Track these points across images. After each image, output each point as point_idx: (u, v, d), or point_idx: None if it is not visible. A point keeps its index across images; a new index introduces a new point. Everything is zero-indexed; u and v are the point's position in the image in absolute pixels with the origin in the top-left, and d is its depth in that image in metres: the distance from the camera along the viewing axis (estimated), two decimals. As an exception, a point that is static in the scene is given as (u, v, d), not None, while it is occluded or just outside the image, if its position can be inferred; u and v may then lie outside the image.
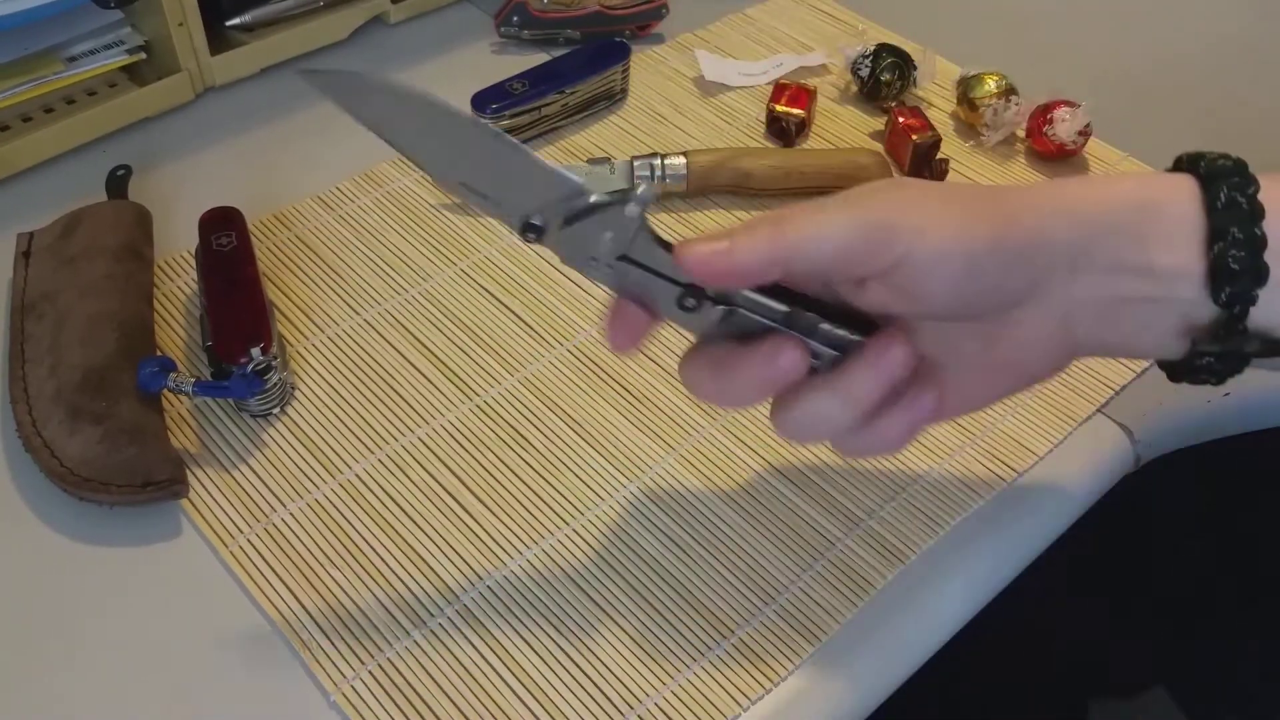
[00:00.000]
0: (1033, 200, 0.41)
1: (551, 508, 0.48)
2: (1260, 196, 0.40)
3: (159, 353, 0.53)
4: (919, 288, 0.39)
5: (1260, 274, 0.40)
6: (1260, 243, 0.40)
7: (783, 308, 0.39)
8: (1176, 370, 0.43)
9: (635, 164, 0.62)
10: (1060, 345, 0.42)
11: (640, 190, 0.37)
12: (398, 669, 0.43)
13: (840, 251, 0.38)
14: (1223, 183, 0.41)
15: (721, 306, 0.39)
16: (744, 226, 0.38)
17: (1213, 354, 0.41)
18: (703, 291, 0.38)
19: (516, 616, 0.45)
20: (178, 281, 0.57)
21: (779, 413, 0.40)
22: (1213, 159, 0.42)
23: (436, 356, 0.54)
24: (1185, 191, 0.41)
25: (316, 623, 0.44)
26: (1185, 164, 0.43)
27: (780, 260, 0.38)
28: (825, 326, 0.39)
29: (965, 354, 0.42)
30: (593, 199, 0.37)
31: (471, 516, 0.48)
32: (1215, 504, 0.65)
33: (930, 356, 0.41)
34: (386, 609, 0.45)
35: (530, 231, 0.38)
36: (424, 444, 0.51)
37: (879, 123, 0.68)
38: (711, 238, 0.38)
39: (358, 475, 0.49)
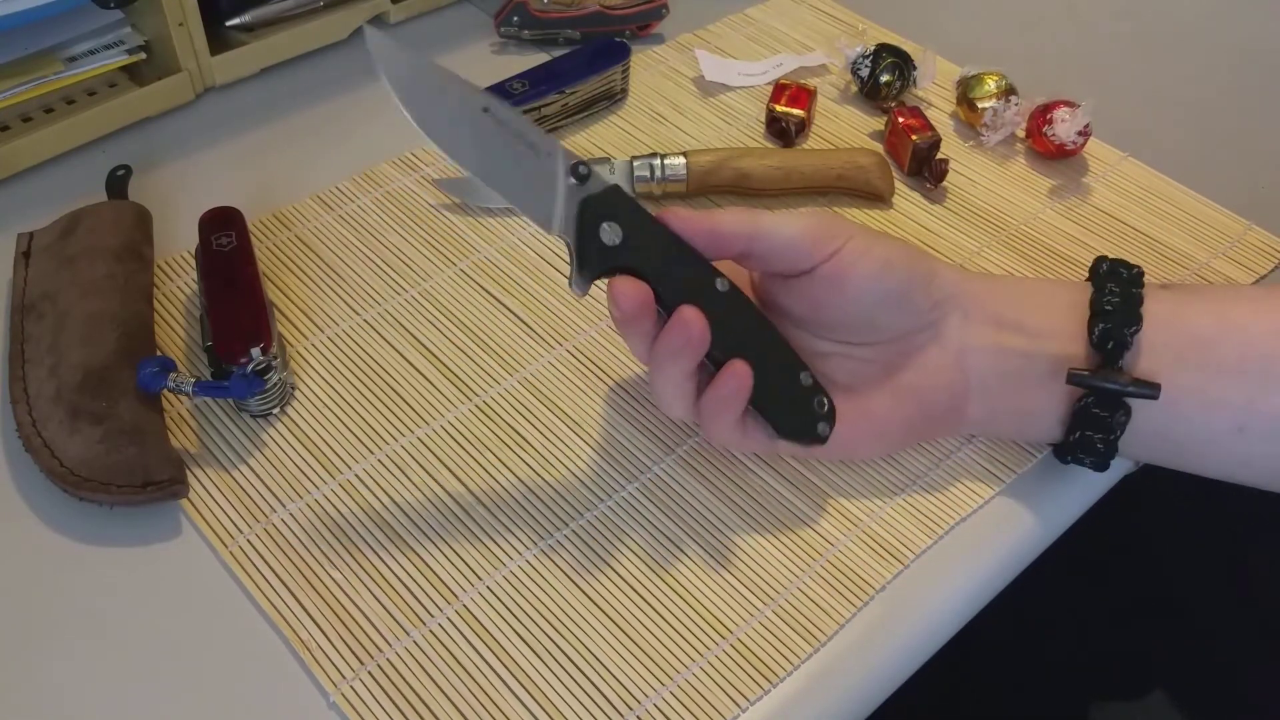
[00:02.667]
0: (947, 265, 0.49)
1: (550, 508, 0.48)
2: (1145, 279, 0.48)
3: (159, 353, 0.53)
4: (846, 269, 0.45)
5: (1132, 316, 0.47)
6: (1136, 297, 0.47)
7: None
8: (1061, 450, 0.49)
9: (635, 164, 0.62)
10: (955, 383, 0.48)
11: (584, 274, 0.44)
12: (397, 669, 0.43)
13: (793, 241, 0.45)
14: (1105, 261, 0.49)
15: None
16: (724, 209, 0.46)
17: (1091, 390, 0.46)
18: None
19: (516, 616, 0.45)
20: (178, 281, 0.57)
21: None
22: (1114, 261, 0.50)
23: (436, 356, 0.54)
24: (1076, 284, 0.50)
25: (315, 623, 0.44)
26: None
27: (747, 235, 0.45)
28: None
29: (868, 377, 0.48)
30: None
31: (471, 516, 0.48)
32: (1215, 506, 0.65)
33: (838, 382, 0.47)
34: (385, 609, 0.45)
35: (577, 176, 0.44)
36: (424, 444, 0.51)
37: (879, 123, 0.68)
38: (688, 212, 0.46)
39: (358, 475, 0.49)
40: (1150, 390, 0.46)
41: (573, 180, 0.43)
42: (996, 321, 0.48)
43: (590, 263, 0.43)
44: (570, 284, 0.44)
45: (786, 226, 0.45)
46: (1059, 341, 0.47)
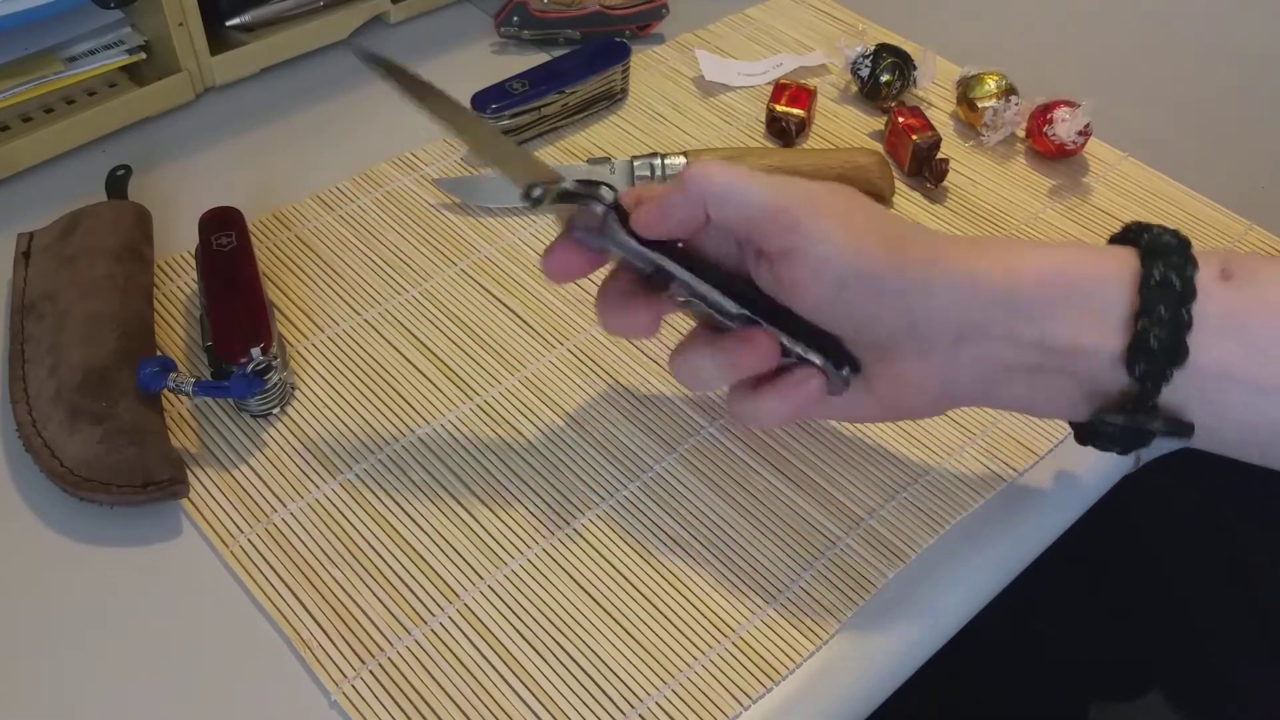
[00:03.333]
0: (943, 256, 0.42)
1: (551, 508, 0.48)
2: (1197, 279, 0.41)
3: (159, 353, 0.53)
4: (796, 281, 0.41)
5: (1178, 354, 0.40)
6: (1185, 324, 0.40)
7: (712, 293, 0.43)
8: (1082, 433, 0.44)
9: (635, 164, 0.62)
10: (939, 394, 0.44)
11: (604, 190, 0.42)
12: (398, 669, 0.43)
13: (746, 216, 0.41)
14: (1160, 260, 0.41)
15: (678, 285, 0.43)
16: (679, 180, 0.42)
17: (1117, 425, 0.42)
18: (667, 274, 0.43)
19: (517, 616, 0.45)
20: (178, 281, 0.57)
21: (672, 358, 0.44)
22: (1157, 235, 0.42)
23: (436, 356, 0.54)
24: (1120, 265, 0.42)
25: (317, 622, 0.44)
26: (1131, 234, 0.43)
27: (700, 203, 0.41)
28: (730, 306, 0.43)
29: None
30: (568, 185, 0.42)
31: (472, 516, 0.48)
32: (1216, 506, 0.65)
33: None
34: (387, 609, 0.45)
35: (528, 200, 0.42)
36: (424, 444, 0.51)
37: (879, 123, 0.68)
38: (651, 200, 0.42)
39: (358, 475, 0.49)
40: (1184, 431, 0.42)
41: (527, 204, 0.43)
42: (1010, 339, 0.42)
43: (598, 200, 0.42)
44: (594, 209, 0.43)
45: (740, 200, 0.41)
46: (1090, 362, 0.41)
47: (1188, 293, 0.41)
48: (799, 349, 0.42)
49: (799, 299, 0.42)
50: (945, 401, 0.45)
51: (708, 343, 0.43)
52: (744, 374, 0.43)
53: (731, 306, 0.42)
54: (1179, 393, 0.41)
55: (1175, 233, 0.43)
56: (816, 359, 0.43)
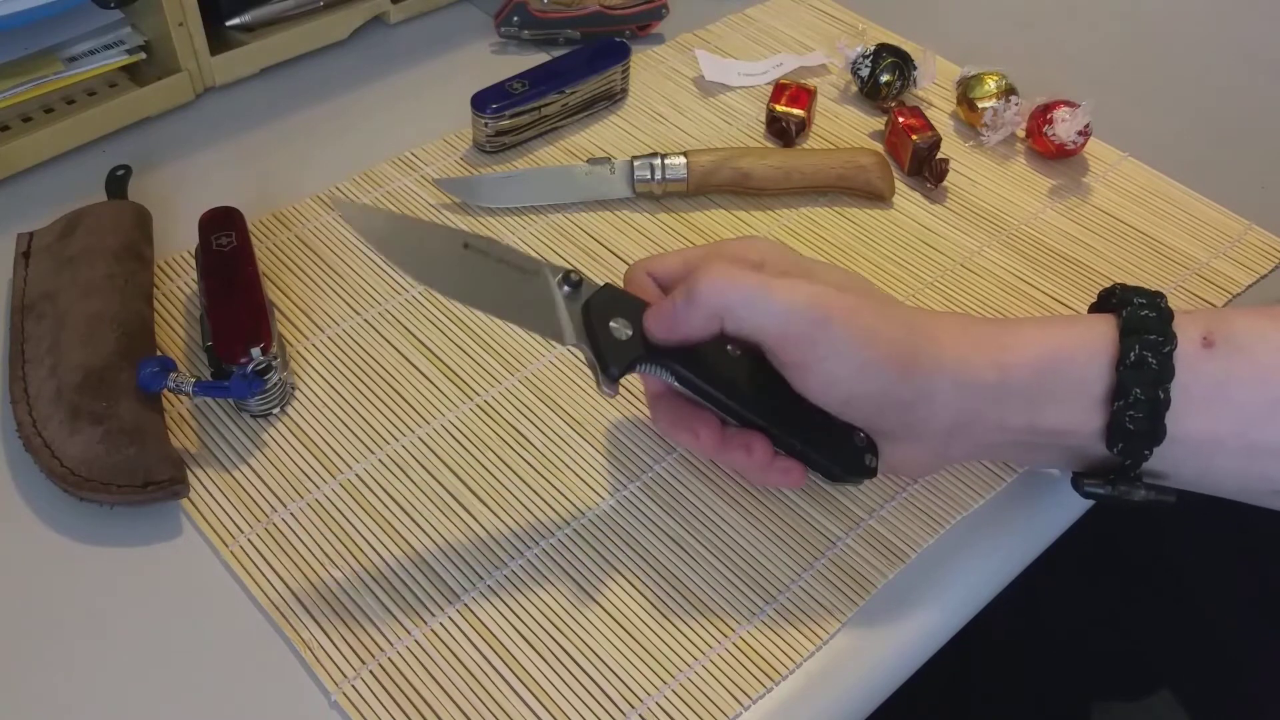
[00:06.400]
0: (943, 355, 0.42)
1: (551, 508, 0.48)
2: (1177, 354, 0.41)
3: (159, 353, 0.53)
4: (807, 390, 0.43)
5: (1156, 434, 0.41)
6: (1162, 404, 0.41)
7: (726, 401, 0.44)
8: (1072, 483, 0.46)
9: (636, 164, 0.62)
10: (931, 465, 0.47)
11: (609, 374, 0.43)
12: (399, 668, 0.43)
13: (760, 329, 0.42)
14: (1137, 339, 0.42)
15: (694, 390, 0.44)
16: (692, 285, 0.41)
17: (1099, 493, 0.44)
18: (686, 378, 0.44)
19: (517, 616, 0.45)
20: (178, 281, 0.57)
21: (671, 430, 0.46)
22: (1136, 309, 0.43)
23: (436, 356, 0.54)
24: (1101, 340, 0.42)
25: (317, 623, 0.44)
26: (1115, 300, 0.44)
27: (713, 317, 0.42)
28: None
29: None
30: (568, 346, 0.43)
31: (472, 516, 0.48)
32: (1220, 505, 0.66)
33: None
34: (387, 609, 0.45)
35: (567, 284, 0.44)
36: (424, 444, 0.51)
37: (879, 123, 0.68)
38: (661, 309, 0.43)
39: (358, 475, 0.49)
40: (1167, 497, 0.44)
41: (566, 289, 0.44)
42: (1000, 427, 0.43)
43: (612, 362, 0.43)
44: (599, 387, 0.43)
45: (756, 320, 0.41)
46: (1075, 439, 0.43)
47: (1165, 373, 0.41)
48: (809, 451, 0.44)
49: (810, 399, 0.43)
50: (938, 468, 0.48)
51: (714, 439, 0.45)
52: (736, 468, 0.46)
53: (745, 414, 0.44)
54: (1165, 460, 0.43)
55: (1156, 301, 0.43)
56: (821, 461, 0.44)
